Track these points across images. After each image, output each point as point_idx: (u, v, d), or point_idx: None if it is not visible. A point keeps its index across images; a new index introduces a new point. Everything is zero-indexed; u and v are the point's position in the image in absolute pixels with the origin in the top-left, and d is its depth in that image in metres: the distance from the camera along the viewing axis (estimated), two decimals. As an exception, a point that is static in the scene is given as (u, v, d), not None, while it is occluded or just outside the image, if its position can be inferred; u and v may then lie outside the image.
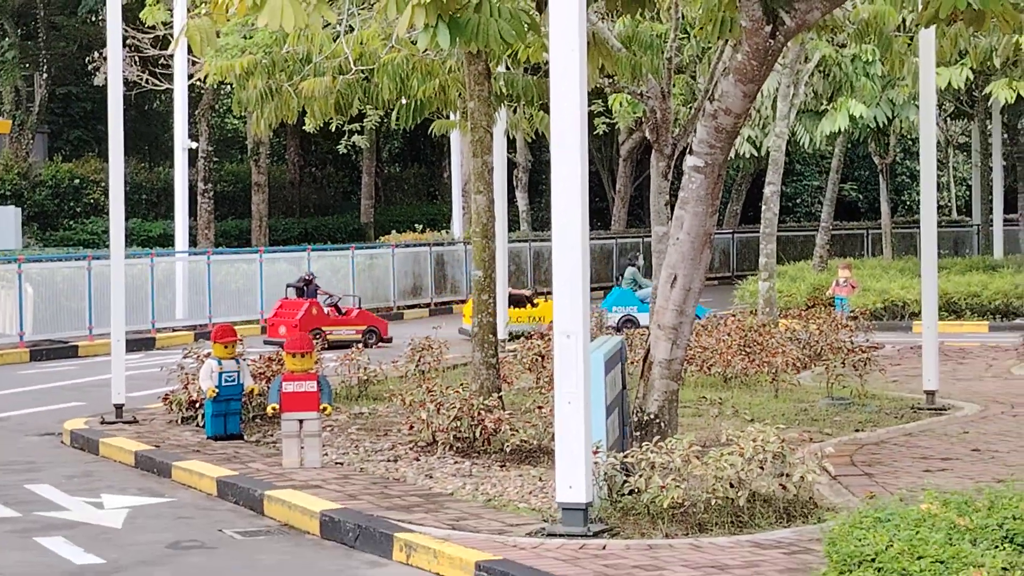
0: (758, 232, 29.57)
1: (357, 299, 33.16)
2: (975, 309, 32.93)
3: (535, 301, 31.66)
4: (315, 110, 19.17)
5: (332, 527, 12.13)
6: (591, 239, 46.30)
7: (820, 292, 32.76)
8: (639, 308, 30.19)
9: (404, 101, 19.09)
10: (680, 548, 10.81)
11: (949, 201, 66.80)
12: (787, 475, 11.78)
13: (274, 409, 15.00)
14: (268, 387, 16.02)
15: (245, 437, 16.83)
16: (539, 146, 49.92)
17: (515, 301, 31.30)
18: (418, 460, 14.98)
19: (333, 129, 35.39)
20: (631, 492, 11.88)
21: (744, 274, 45.18)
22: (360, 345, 22.79)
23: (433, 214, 54.94)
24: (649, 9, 19.13)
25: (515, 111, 23.09)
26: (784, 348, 20.88)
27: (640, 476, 11.66)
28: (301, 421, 14.78)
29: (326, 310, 30.28)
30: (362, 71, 18.83)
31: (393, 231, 46.81)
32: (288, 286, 32.00)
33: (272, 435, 16.74)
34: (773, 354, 20.50)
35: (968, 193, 65.07)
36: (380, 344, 29.28)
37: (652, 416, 13.47)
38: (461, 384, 16.47)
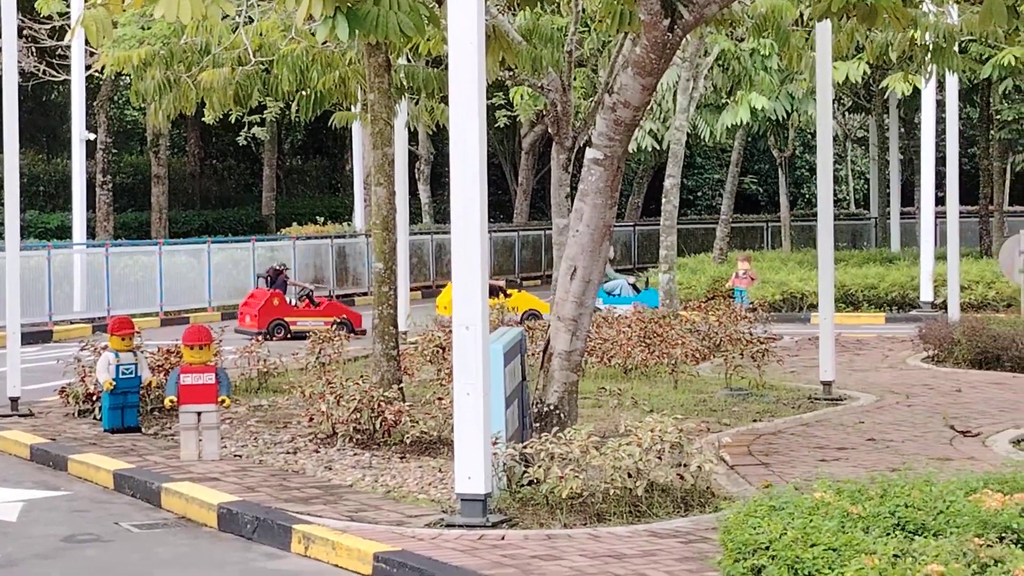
0: (659, 225, 29.73)
1: (329, 291, 33.00)
2: (872, 301, 33.34)
3: (508, 292, 31.63)
4: (214, 101, 19.05)
5: (230, 519, 12.06)
6: (493, 231, 46.52)
7: (720, 284, 33.06)
8: (605, 300, 30.48)
9: (304, 93, 19.02)
10: (578, 538, 10.87)
11: (847, 194, 67.51)
12: (685, 465, 11.87)
13: (172, 402, 14.91)
14: (166, 379, 15.91)
15: (143, 430, 16.70)
16: (441, 138, 49.88)
17: (488, 292, 31.11)
18: (318, 452, 14.94)
19: (233, 121, 35.13)
20: (530, 483, 11.93)
21: (645, 266, 45.43)
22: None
23: (335, 206, 54.76)
24: (549, 2, 19.26)
25: (416, 103, 23.07)
26: (684, 339, 21.02)
27: (539, 467, 11.70)
28: (199, 413, 14.69)
29: (292, 300, 30.06)
30: (261, 62, 18.74)
31: (294, 223, 46.64)
32: (258, 276, 31.79)
33: (170, 428, 16.63)
34: (673, 345, 20.62)
35: (866, 186, 65.76)
36: (352, 335, 27.50)
37: (552, 407, 13.53)
38: (361, 376, 16.45)
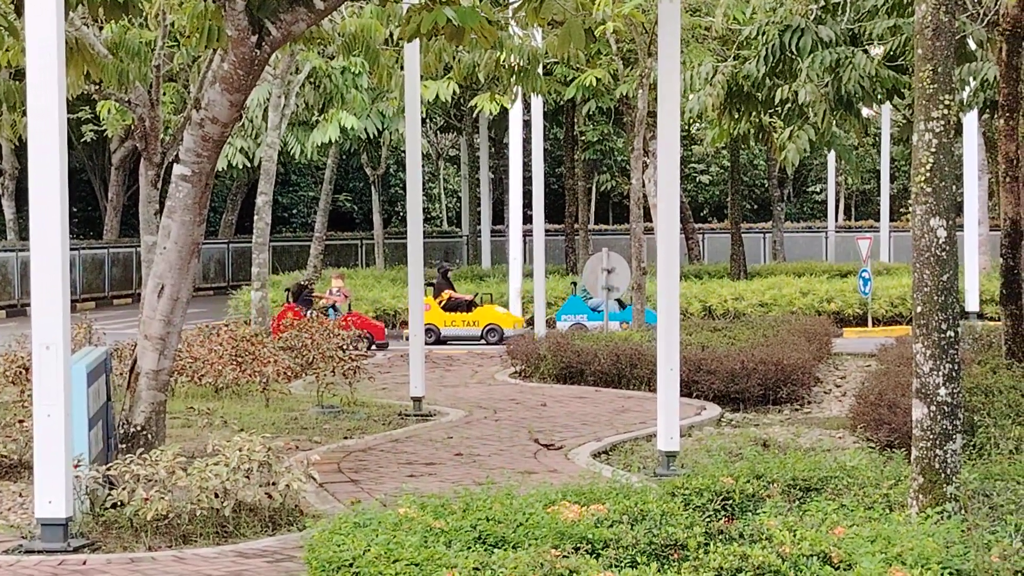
0: (252, 242, 29.56)
1: (348, 304, 31.78)
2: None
3: (474, 304, 31.95)
4: None
5: None
6: (82, 248, 45.47)
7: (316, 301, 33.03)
8: (589, 316, 30.63)
9: None
10: (163, 560, 10.68)
11: (440, 212, 68.50)
12: (273, 484, 11.81)
13: None
14: None
15: None
16: (26, 152, 48.36)
17: (456, 306, 31.37)
18: None
19: None
20: (114, 505, 11.67)
21: (239, 284, 45.11)
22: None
23: (-86, 222, 52.53)
24: (136, 16, 18.92)
25: (-1, 116, 22.35)
26: (276, 357, 20.91)
27: (124, 489, 11.47)
28: None
29: (312, 314, 28.96)
30: None
31: None
32: (286, 290, 31.71)
33: None
34: (265, 363, 20.49)
35: (459, 204, 66.86)
36: (373, 348, 28.35)
37: (139, 428, 13.31)
38: (-63, 399, 15.82)
